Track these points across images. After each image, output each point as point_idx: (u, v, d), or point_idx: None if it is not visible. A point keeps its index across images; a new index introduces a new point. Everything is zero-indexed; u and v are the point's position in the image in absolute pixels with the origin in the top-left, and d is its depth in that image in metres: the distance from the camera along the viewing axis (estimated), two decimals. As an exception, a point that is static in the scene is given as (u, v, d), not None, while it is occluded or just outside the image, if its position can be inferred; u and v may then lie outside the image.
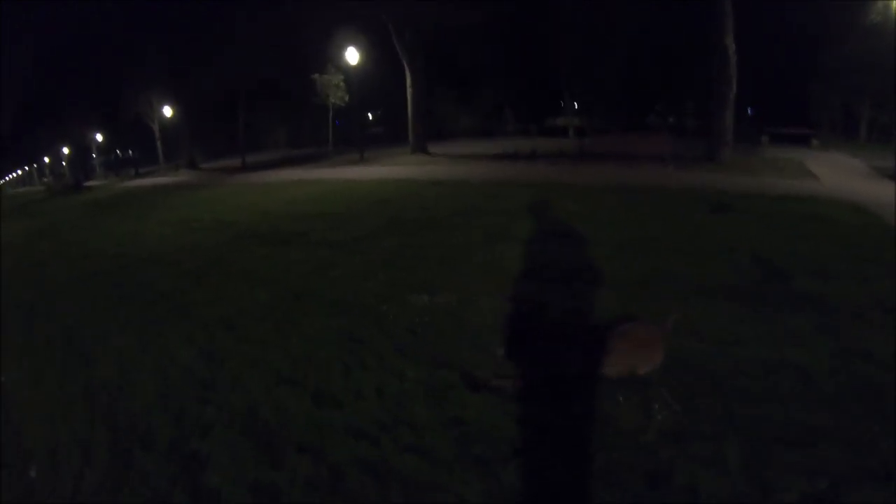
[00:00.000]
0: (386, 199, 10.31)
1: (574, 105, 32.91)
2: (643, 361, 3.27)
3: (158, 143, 37.32)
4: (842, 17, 20.71)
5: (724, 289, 4.94)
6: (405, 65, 21.33)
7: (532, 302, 4.51)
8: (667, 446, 2.58)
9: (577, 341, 3.59)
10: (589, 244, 6.58)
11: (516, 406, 2.92)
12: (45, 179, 48.79)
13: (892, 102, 22.97)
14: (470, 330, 4.01)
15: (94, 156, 53.89)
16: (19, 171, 72.51)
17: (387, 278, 5.38)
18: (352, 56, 21.23)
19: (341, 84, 24.47)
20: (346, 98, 24.62)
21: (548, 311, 4.36)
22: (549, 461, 2.45)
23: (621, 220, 8.16)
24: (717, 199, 9.59)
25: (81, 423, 3.09)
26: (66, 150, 54.15)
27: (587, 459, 2.46)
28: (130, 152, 49.36)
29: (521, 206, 9.38)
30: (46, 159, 61.12)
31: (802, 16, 23.11)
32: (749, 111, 31.59)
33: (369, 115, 29.25)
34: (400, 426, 2.79)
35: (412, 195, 10.73)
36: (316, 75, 24.16)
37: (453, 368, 3.38)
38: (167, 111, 35.82)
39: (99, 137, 48.48)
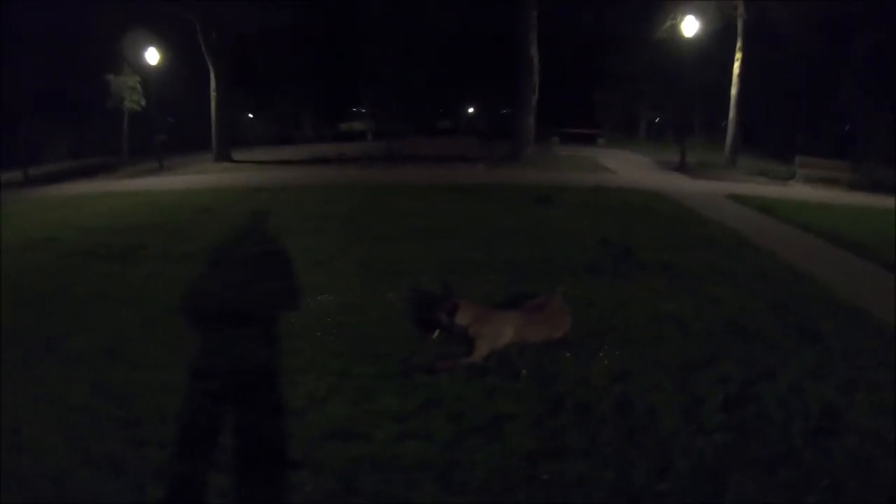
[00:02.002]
0: (208, 208, 9.74)
1: (372, 109, 34.39)
2: (557, 328, 3.86)
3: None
4: (628, 29, 25.37)
5: (587, 267, 6.02)
6: (210, 66, 20.38)
7: (429, 292, 4.83)
8: (617, 384, 3.31)
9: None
10: (451, 237, 7.21)
11: (474, 381, 3.33)
12: None
13: (668, 105, 28.78)
14: (386, 323, 4.21)
15: None
16: None
17: (270, 285, 5.21)
18: (151, 56, 19.49)
19: (137, 86, 22.38)
20: (143, 102, 22.61)
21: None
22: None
23: (465, 214, 9.00)
24: (538, 192, 11.02)
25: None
26: None
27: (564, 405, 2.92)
28: None
29: (362, 207, 9.71)
30: None
31: (592, 26, 27.72)
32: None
33: (170, 119, 26.74)
34: (384, 419, 2.94)
35: (236, 203, 10.31)
36: (111, 76, 21.78)
37: (393, 359, 3.60)
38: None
39: None
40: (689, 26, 17.09)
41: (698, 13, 17.48)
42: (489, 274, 5.53)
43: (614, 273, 5.77)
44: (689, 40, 17.74)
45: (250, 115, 30.64)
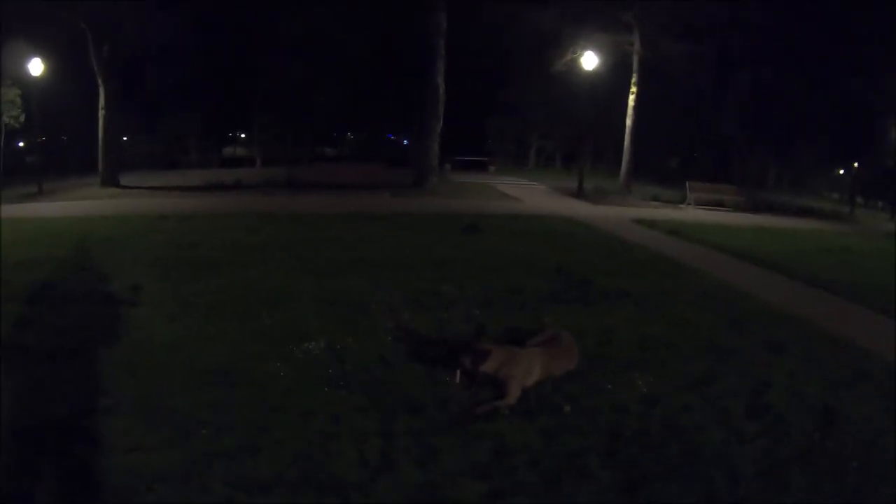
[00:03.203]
0: (111, 238, 8.96)
1: (260, 135, 33.81)
2: (571, 361, 4.27)
3: None
4: (526, 61, 27.12)
5: (553, 297, 6.46)
6: (100, 82, 18.90)
7: (416, 331, 4.95)
8: (652, 408, 3.76)
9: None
10: (398, 269, 7.35)
11: (524, 423, 3.50)
12: None
13: (556, 135, 31.12)
14: (392, 368, 4.22)
15: None
16: None
17: (239, 329, 4.97)
18: (35, 67, 17.65)
19: (18, 100, 20.00)
20: (22, 118, 20.25)
21: (445, 331, 4.93)
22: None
23: (399, 245, 9.20)
24: (463, 221, 11.52)
25: None
26: None
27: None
28: None
29: (286, 237, 9.51)
30: None
31: (488, 58, 29.30)
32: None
33: (43, 138, 24.13)
34: (465, 478, 2.95)
35: (144, 233, 9.60)
36: None
37: (430, 409, 3.62)
38: None
39: None
40: (589, 60, 18.70)
41: (597, 48, 19.20)
42: (468, 308, 5.71)
43: (584, 301, 6.25)
44: (587, 73, 19.34)
45: (124, 139, 28.81)
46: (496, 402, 3.68)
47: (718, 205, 18.49)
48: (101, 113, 19.14)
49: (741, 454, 3.25)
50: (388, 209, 14.01)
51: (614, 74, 22.70)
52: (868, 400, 4.08)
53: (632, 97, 22.28)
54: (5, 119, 20.10)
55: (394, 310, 5.55)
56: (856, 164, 29.15)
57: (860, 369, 4.65)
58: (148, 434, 3.20)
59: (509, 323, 5.25)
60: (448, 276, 7.04)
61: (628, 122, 22.73)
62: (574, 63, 20.70)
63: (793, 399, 3.99)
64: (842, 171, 33.25)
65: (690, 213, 16.94)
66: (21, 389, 3.72)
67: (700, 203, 18.53)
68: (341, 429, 3.34)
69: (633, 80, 22.01)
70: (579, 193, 20.24)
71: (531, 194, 20.81)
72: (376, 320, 5.24)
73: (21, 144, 28.99)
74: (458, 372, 3.99)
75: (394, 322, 5.19)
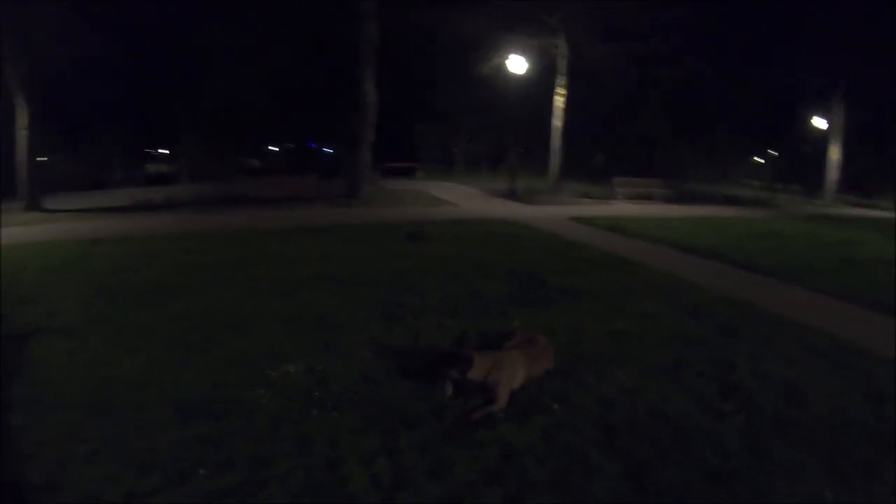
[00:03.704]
0: (47, 266, 8.36)
1: (184, 150, 32.75)
2: (549, 360, 4.46)
3: None
4: (453, 65, 27.51)
5: (512, 298, 6.69)
6: (23, 101, 17.64)
7: (394, 345, 5.03)
8: (636, 399, 4.02)
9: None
10: (354, 282, 7.34)
11: (520, 425, 3.66)
12: None
13: (482, 137, 31.85)
14: (377, 385, 4.25)
15: None
16: None
17: (207, 357, 4.84)
18: None
19: None
20: None
21: (419, 342, 5.02)
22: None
23: (348, 257, 9.21)
24: (406, 229, 11.66)
25: None
26: None
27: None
28: None
29: (232, 255, 9.20)
30: None
31: (414, 64, 29.55)
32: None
33: None
34: (486, 486, 3.06)
35: (81, 259, 8.99)
36: None
37: (427, 423, 3.69)
38: None
39: None
40: (516, 64, 19.25)
41: (524, 52, 19.81)
42: (437, 316, 5.84)
43: (544, 301, 6.52)
44: (515, 77, 19.89)
45: (44, 159, 27.21)
46: (489, 408, 3.83)
47: (646, 198, 19.47)
48: (21, 133, 17.95)
49: (724, 431, 3.57)
50: (328, 221, 13.91)
51: (541, 77, 23.48)
52: (823, 373, 4.55)
53: (559, 98, 23.18)
54: None
55: (363, 325, 5.60)
56: (773, 153, 31.54)
57: (810, 345, 5.17)
58: (140, 480, 3.07)
59: (477, 328, 5.41)
60: (407, 286, 7.14)
61: (557, 122, 23.62)
62: (502, 67, 21.28)
63: (757, 378, 4.39)
64: (759, 160, 35.76)
65: (622, 208, 17.81)
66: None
67: (629, 197, 19.45)
68: (344, 452, 3.36)
69: (561, 82, 22.86)
70: (512, 194, 20.78)
71: (464, 198, 21.18)
72: (349, 337, 5.24)
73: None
74: (448, 383, 4.09)
75: (367, 337, 5.23)
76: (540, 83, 24.07)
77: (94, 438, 3.47)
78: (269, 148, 47.72)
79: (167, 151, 36.06)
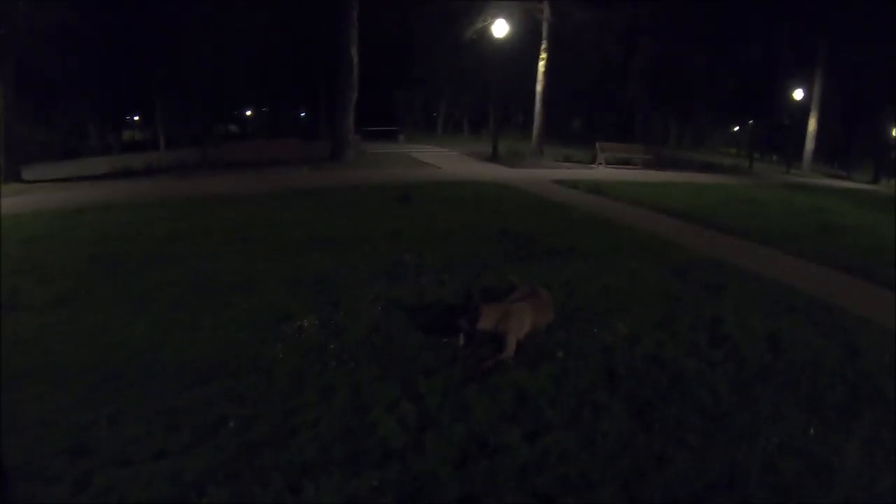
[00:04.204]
0: (34, 237, 8.16)
1: (161, 115, 32.05)
2: (551, 313, 4.69)
3: None
4: (436, 30, 27.25)
5: (508, 256, 6.86)
6: None
7: (400, 300, 5.22)
8: (634, 347, 4.32)
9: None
10: (349, 243, 7.43)
11: (530, 371, 3.90)
12: None
13: (463, 101, 31.84)
14: (390, 337, 4.43)
15: None
16: None
17: (215, 317, 4.91)
18: None
19: None
20: None
21: (425, 298, 5.23)
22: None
23: (338, 219, 9.29)
24: (393, 192, 11.75)
25: None
26: None
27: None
28: None
29: (223, 220, 9.16)
30: None
31: (398, 28, 29.15)
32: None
33: None
34: (505, 423, 3.31)
35: (68, 229, 8.80)
36: None
37: (442, 371, 3.91)
38: None
39: None
40: (499, 28, 19.14)
41: (507, 15, 19.68)
42: (437, 274, 6.03)
43: (536, 259, 6.76)
44: (498, 41, 19.80)
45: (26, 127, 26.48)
46: (499, 356, 4.08)
47: (626, 163, 19.78)
48: None
49: (714, 377, 3.89)
50: (313, 184, 13.89)
51: (523, 43, 23.42)
52: (802, 328, 4.90)
53: (542, 63, 23.13)
54: None
55: (366, 283, 5.73)
56: (751, 122, 32.09)
57: (791, 304, 5.54)
58: (170, 438, 3.10)
59: (478, 285, 5.63)
60: (403, 246, 7.28)
61: (539, 87, 23.63)
62: (485, 31, 21.15)
63: (742, 330, 4.72)
64: (737, 129, 36.31)
65: (603, 172, 18.09)
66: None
67: (610, 162, 19.73)
68: (367, 399, 3.52)
69: (543, 46, 22.84)
70: (494, 157, 20.89)
71: (447, 161, 21.23)
72: (354, 294, 5.38)
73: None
74: (461, 334, 4.31)
75: (373, 294, 5.38)
76: (522, 49, 24.06)
77: (114, 402, 3.46)
78: (246, 113, 46.96)
79: (140, 118, 35.26)
